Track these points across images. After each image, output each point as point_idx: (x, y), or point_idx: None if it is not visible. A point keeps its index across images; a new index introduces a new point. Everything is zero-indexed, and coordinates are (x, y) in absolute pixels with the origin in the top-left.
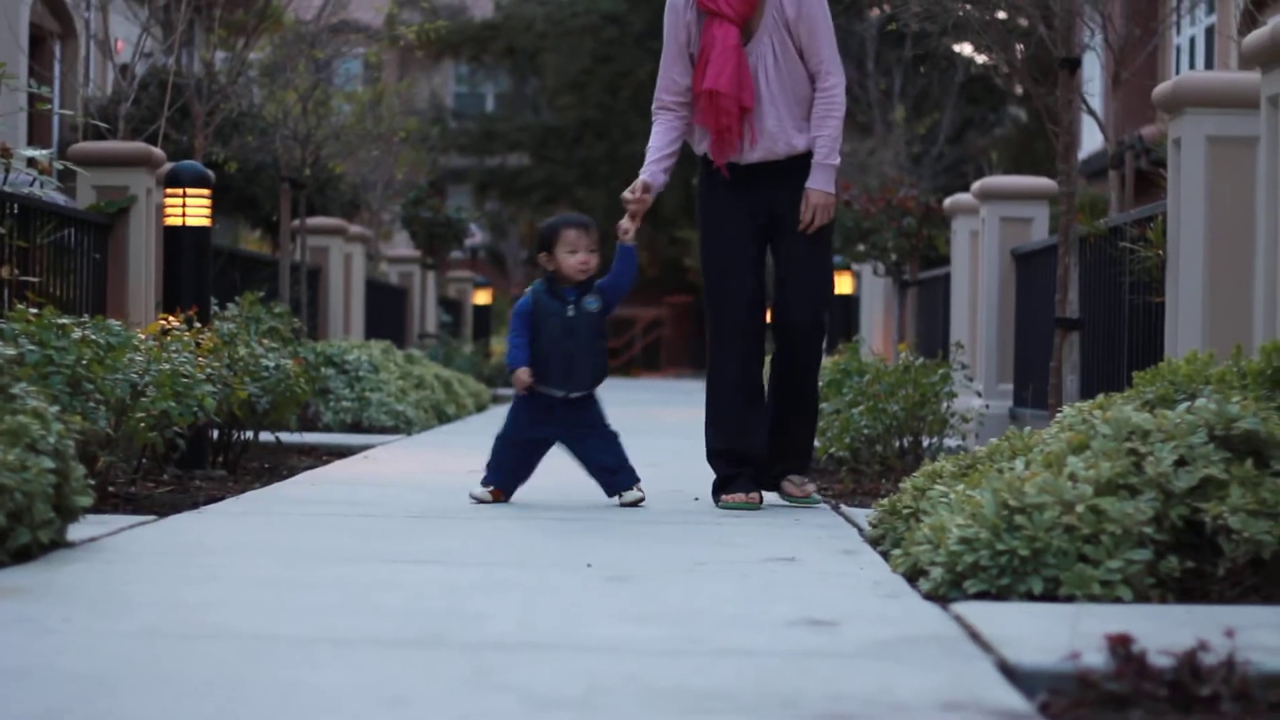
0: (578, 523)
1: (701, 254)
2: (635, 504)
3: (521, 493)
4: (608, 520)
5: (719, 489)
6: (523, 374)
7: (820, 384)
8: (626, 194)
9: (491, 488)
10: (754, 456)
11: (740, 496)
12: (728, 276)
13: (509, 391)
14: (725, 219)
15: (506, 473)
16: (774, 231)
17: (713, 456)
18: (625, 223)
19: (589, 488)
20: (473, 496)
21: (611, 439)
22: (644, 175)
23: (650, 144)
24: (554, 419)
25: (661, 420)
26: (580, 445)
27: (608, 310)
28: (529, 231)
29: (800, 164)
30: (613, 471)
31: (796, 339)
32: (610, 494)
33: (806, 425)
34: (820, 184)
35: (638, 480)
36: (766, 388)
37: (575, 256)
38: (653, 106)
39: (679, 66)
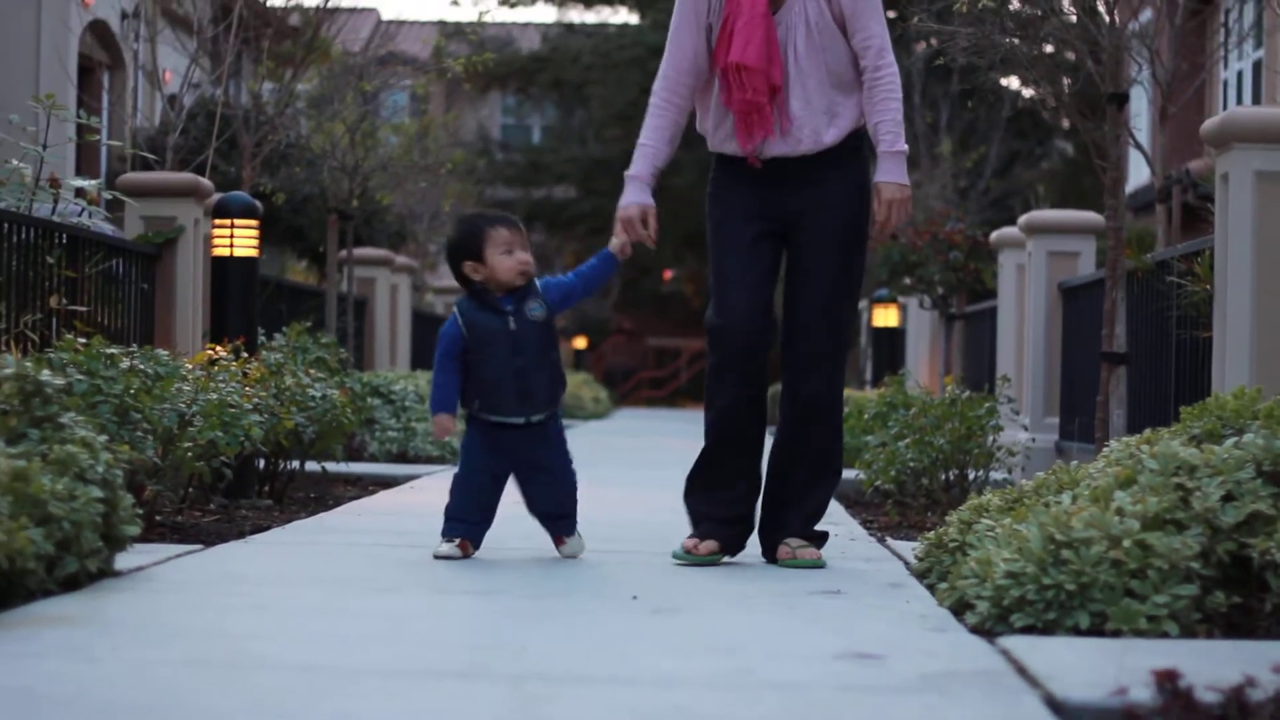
0: (622, 555)
1: (710, 266)
2: (574, 556)
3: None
4: (653, 553)
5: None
6: (445, 422)
7: (867, 417)
8: (639, 228)
9: (458, 540)
10: (736, 517)
11: (706, 546)
12: (728, 292)
13: None
14: (731, 224)
15: (473, 519)
16: (789, 242)
17: (686, 497)
18: (627, 247)
19: (638, 521)
20: (438, 555)
21: (565, 476)
22: (641, 199)
23: (644, 138)
24: (510, 448)
25: None
26: (527, 483)
27: (553, 315)
28: (574, 263)
29: (825, 160)
30: (555, 518)
31: (807, 372)
32: (557, 542)
33: (818, 483)
34: (891, 175)
35: (576, 529)
36: (776, 433)
37: (513, 256)
38: (652, 92)
39: (693, 43)
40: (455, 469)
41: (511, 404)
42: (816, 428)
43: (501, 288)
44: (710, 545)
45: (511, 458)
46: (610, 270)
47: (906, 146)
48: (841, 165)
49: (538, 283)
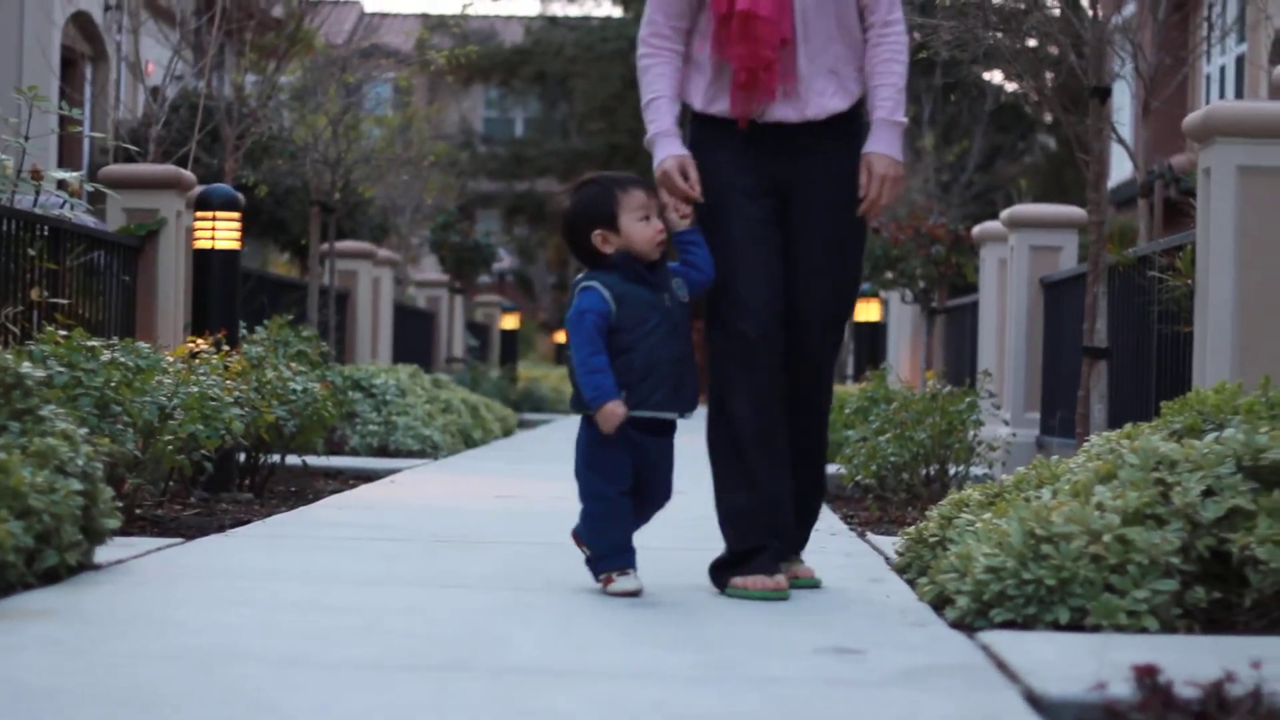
0: None
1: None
2: (625, 594)
3: (556, 511)
4: (638, 547)
5: (727, 568)
6: (616, 409)
7: (848, 411)
8: (680, 181)
9: (620, 569)
10: (781, 525)
11: (762, 582)
12: (738, 280)
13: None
14: (735, 201)
15: (624, 546)
16: (786, 220)
17: (725, 524)
18: (683, 205)
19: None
20: (616, 593)
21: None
22: (676, 150)
23: (653, 91)
24: (649, 458)
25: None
26: (644, 493)
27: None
28: (557, 256)
29: (825, 127)
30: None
31: (806, 364)
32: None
33: (810, 485)
34: (885, 147)
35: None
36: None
37: (650, 224)
38: (641, 43)
39: None
40: (586, 476)
41: (669, 395)
42: (813, 402)
43: (639, 261)
44: (781, 580)
45: (638, 467)
46: (704, 244)
47: (906, 119)
48: (843, 133)
49: (671, 266)
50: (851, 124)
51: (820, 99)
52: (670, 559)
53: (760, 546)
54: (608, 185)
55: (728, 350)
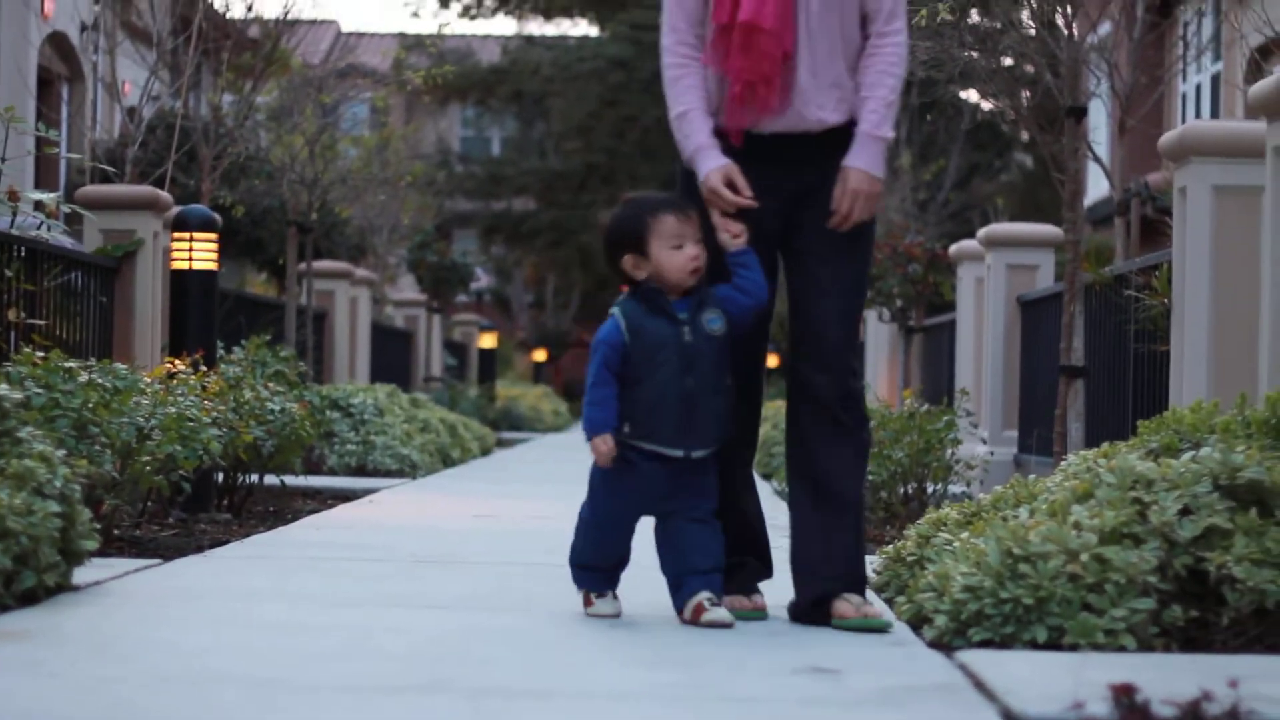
0: None
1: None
2: (720, 625)
3: (535, 531)
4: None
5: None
6: (605, 446)
7: None
8: (728, 194)
9: (609, 592)
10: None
11: (740, 602)
12: None
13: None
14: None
15: (605, 566)
16: (785, 242)
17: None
18: (734, 225)
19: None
20: (593, 614)
21: (715, 529)
22: (719, 161)
23: (684, 103)
24: (661, 491)
25: None
26: (674, 532)
27: (734, 332)
28: (534, 275)
29: (825, 140)
30: (702, 574)
31: (823, 394)
32: (681, 606)
33: (842, 526)
34: (864, 162)
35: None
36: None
37: (683, 252)
38: (667, 51)
39: None
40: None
41: (671, 432)
42: (838, 435)
43: (672, 289)
44: (759, 600)
45: (652, 498)
46: (758, 265)
47: (892, 133)
48: (843, 147)
49: (715, 291)
50: (846, 137)
51: (820, 112)
52: (648, 577)
53: (732, 565)
54: (638, 210)
55: None
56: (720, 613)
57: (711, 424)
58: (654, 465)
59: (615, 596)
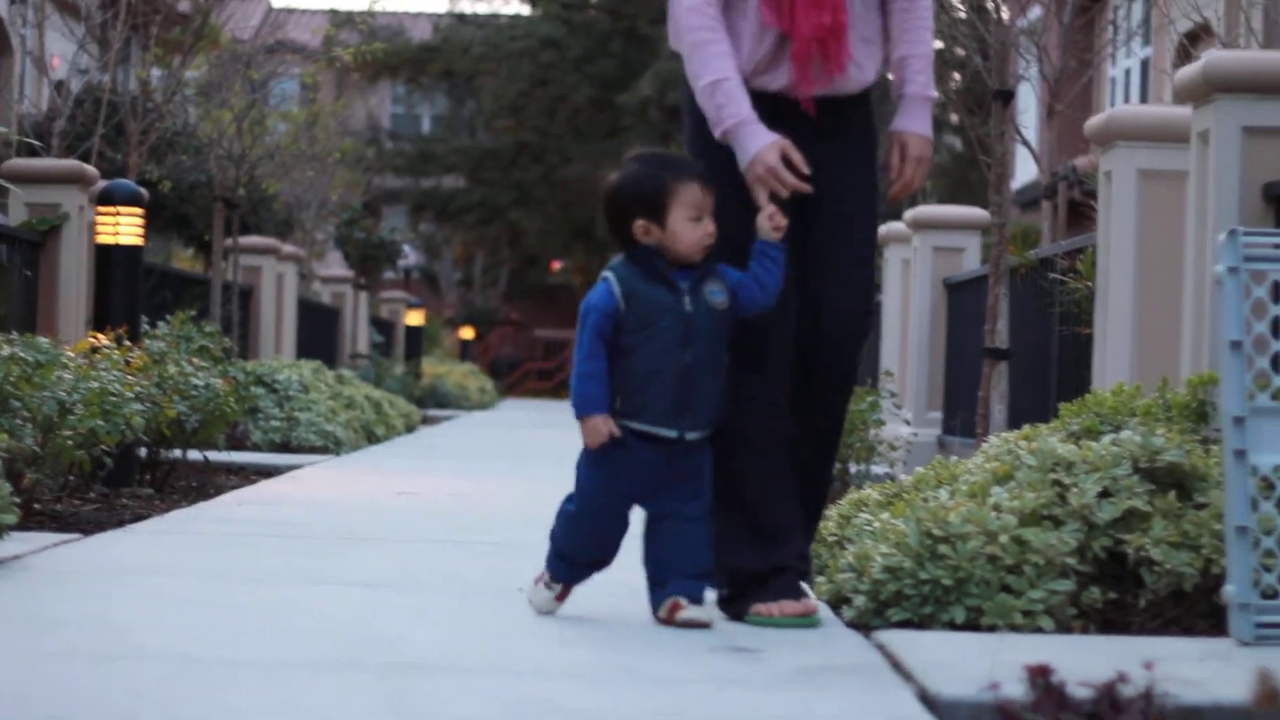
0: (509, 548)
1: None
2: (694, 625)
3: (457, 509)
4: (538, 546)
5: (741, 592)
6: (599, 426)
7: None
8: (785, 173)
9: (560, 585)
10: (796, 553)
11: (790, 607)
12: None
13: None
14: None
15: (581, 560)
16: (802, 210)
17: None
18: (779, 216)
19: (527, 514)
20: (534, 606)
21: (705, 531)
22: (769, 137)
23: (716, 72)
24: (654, 479)
25: None
26: (657, 526)
27: (736, 314)
28: (463, 253)
29: (845, 105)
30: (687, 577)
31: (829, 373)
32: (657, 605)
33: (815, 504)
34: (920, 125)
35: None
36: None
37: (701, 226)
38: (692, 12)
39: None
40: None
41: (666, 409)
42: (833, 414)
43: (677, 260)
44: (810, 604)
45: (643, 486)
46: (781, 262)
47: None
48: (860, 112)
49: (724, 271)
50: (869, 97)
51: (861, 73)
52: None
53: (771, 571)
54: (660, 171)
55: (745, 355)
56: (697, 611)
57: (709, 404)
58: (646, 448)
59: (564, 597)
